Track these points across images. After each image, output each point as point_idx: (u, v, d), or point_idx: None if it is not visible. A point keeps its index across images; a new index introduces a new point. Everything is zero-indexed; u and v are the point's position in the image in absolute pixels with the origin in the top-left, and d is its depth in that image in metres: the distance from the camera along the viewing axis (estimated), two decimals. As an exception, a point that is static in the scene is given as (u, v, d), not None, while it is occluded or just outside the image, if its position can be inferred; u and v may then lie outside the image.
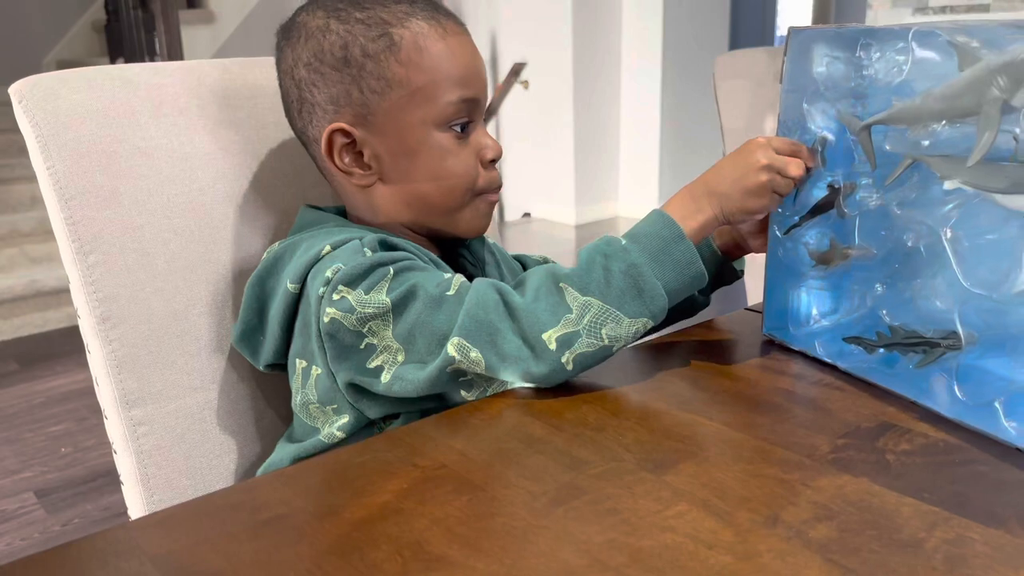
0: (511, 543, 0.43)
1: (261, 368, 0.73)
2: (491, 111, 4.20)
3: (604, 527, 0.44)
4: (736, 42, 4.92)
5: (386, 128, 0.68)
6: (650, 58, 4.19)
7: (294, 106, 0.71)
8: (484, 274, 0.78)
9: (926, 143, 0.58)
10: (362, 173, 0.70)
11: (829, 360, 0.67)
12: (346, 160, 0.70)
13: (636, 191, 4.45)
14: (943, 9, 3.24)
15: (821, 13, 6.32)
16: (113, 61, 3.94)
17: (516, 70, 4.14)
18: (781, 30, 7.91)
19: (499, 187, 0.74)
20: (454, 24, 0.70)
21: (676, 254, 0.61)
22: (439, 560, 0.42)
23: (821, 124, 0.67)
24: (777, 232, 0.71)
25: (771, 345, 0.72)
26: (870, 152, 0.63)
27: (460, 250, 0.79)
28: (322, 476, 0.52)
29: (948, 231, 0.57)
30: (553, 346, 0.58)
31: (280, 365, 0.71)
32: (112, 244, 0.69)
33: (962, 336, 0.57)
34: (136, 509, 0.72)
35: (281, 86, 0.72)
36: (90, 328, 0.69)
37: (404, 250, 0.66)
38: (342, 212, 0.76)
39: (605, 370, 0.65)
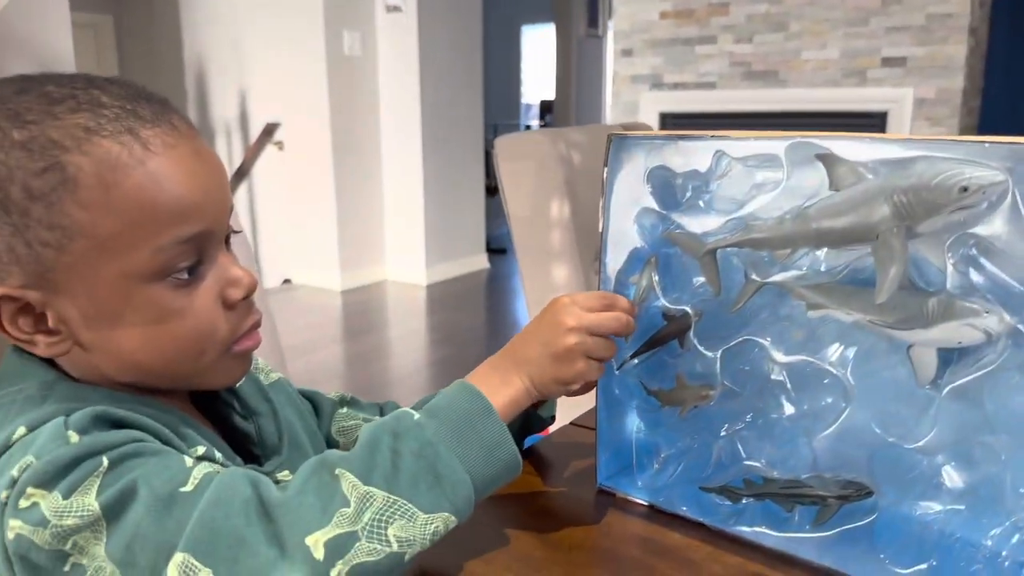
0: None
1: None
2: (243, 173, 3.95)
3: None
4: (488, 104, 5.09)
5: (72, 288, 0.49)
6: (409, 120, 4.19)
7: None
8: (259, 428, 0.61)
9: (803, 269, 0.52)
10: (49, 341, 0.51)
11: (689, 516, 0.59)
12: (22, 326, 0.50)
13: (403, 254, 4.40)
14: (675, 86, 3.57)
15: (562, 90, 6.77)
16: None
17: (269, 130, 3.94)
18: (525, 97, 8.50)
19: (256, 327, 0.56)
20: (164, 131, 0.50)
21: (483, 432, 0.49)
22: None
23: (652, 243, 0.60)
24: (613, 367, 0.62)
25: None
26: (714, 278, 0.57)
27: (224, 396, 0.61)
28: None
29: (848, 372, 0.51)
30: (320, 554, 0.43)
31: None
32: None
33: (871, 485, 0.50)
34: None
35: None
36: None
37: (131, 425, 0.48)
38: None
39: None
